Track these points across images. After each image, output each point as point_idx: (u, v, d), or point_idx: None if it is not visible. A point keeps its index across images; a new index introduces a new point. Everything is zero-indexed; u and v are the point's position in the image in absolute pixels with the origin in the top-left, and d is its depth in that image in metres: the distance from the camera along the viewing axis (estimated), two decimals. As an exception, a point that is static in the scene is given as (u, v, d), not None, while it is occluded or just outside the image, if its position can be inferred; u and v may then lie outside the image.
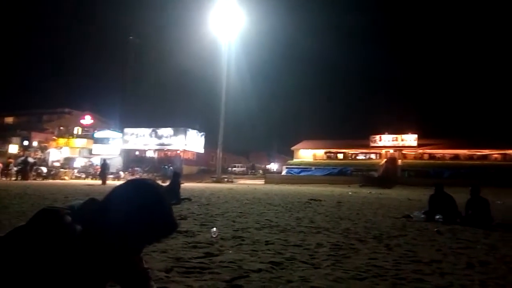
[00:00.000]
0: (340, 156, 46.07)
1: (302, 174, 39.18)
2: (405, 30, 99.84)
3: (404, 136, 44.01)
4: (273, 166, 59.01)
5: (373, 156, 44.58)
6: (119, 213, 1.18)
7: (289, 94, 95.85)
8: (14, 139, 50.70)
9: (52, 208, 1.17)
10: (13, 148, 48.10)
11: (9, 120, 63.18)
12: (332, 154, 46.59)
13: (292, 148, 49.83)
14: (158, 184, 1.32)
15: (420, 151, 43.05)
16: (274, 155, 61.36)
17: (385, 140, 44.64)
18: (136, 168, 39.82)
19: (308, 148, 48.48)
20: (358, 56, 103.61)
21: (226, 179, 36.00)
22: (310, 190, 20.55)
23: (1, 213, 6.26)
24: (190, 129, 46.92)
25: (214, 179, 35.34)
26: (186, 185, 17.15)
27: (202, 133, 49.29)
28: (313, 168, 41.33)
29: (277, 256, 3.56)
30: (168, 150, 48.42)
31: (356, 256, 3.72)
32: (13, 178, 24.87)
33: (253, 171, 55.16)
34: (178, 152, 47.54)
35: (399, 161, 41.07)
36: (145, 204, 1.20)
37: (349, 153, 46.01)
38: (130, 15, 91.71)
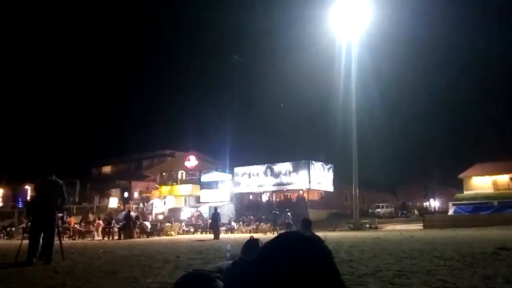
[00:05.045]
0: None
1: (479, 212, 35.95)
2: None
3: None
4: (433, 204, 55.59)
5: None
6: (279, 276, 1.22)
7: (445, 105, 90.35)
8: (114, 191, 57.71)
9: (199, 272, 1.28)
10: (113, 202, 54.61)
11: (107, 169, 72.30)
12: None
13: (460, 176, 46.47)
14: (321, 239, 1.34)
15: None
16: (433, 187, 57.83)
17: None
18: (251, 217, 41.41)
19: (485, 175, 44.68)
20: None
21: (368, 225, 35.03)
22: (496, 235, 18.63)
23: (111, 279, 7.06)
24: (314, 162, 47.29)
25: (351, 225, 34.69)
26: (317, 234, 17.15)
27: (329, 165, 49.24)
28: (495, 202, 37.69)
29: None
30: (288, 191, 49.39)
31: None
32: (116, 237, 28.03)
33: (405, 212, 52.82)
34: (301, 192, 48.17)
35: None
36: (308, 263, 1.22)
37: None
38: (232, 34, 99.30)
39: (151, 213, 49.24)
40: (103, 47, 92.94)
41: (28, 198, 46.97)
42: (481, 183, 44.21)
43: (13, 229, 30.89)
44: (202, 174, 52.27)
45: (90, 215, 34.21)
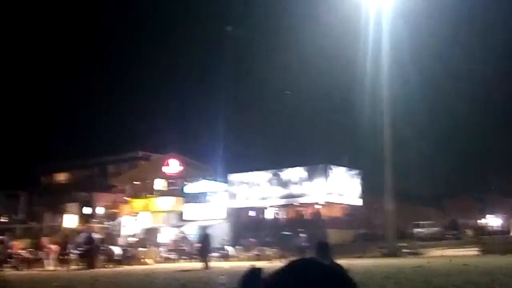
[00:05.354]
0: None
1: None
2: None
3: None
4: (493, 221, 55.55)
5: None
6: None
7: (507, 96, 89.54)
8: (70, 206, 57.53)
9: None
10: (69, 220, 54.48)
11: (61, 178, 72.12)
12: None
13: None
14: (343, 269, 1.35)
15: None
16: (492, 200, 57.84)
17: None
18: (251, 239, 41.35)
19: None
20: None
21: (406, 250, 35.09)
22: None
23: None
24: (334, 166, 47.18)
25: (385, 250, 34.73)
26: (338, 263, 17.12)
27: (355, 171, 49.14)
28: None
29: None
30: (301, 204, 49.22)
31: None
32: (74, 267, 28.01)
33: (455, 232, 52.69)
34: (317, 207, 48.05)
35: None
36: None
37: None
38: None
39: (120, 235, 49.19)
40: (55, 30, 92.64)
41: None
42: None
43: None
44: (186, 183, 52.18)
45: (44, 238, 34.24)
